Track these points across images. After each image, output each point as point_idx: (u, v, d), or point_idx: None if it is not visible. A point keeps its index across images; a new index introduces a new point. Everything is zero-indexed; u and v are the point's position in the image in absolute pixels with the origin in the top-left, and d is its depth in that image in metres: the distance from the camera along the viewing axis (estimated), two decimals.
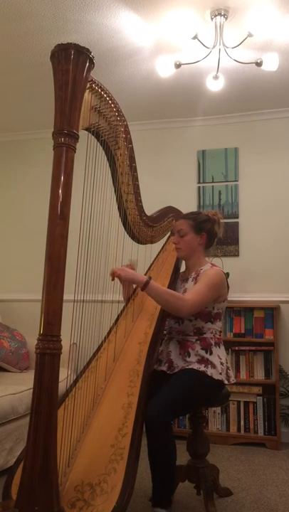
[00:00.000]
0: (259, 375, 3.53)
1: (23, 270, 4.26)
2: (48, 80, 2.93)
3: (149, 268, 2.55)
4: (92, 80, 1.68)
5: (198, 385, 2.05)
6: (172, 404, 1.97)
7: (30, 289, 3.90)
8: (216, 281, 2.14)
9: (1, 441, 2.68)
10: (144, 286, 2.01)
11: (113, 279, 2.11)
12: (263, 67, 2.87)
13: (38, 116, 4.08)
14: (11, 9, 2.66)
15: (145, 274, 2.49)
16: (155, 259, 2.61)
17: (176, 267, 2.46)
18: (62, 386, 1.69)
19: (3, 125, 4.35)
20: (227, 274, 3.57)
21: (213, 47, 2.75)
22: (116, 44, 2.99)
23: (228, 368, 2.17)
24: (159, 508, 1.91)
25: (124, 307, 2.33)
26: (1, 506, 1.52)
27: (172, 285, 2.32)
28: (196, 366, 2.07)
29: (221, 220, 2.34)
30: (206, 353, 2.11)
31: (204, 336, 2.15)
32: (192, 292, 2.09)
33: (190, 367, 2.08)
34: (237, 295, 3.67)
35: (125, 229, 2.20)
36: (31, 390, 1.50)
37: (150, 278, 2.03)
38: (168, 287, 2.28)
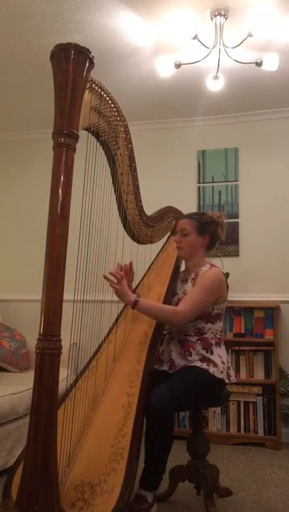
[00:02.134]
0: (259, 375, 3.53)
1: (23, 270, 4.26)
2: (47, 79, 2.93)
3: (148, 268, 2.55)
4: (92, 80, 1.69)
5: (201, 380, 2.06)
6: (175, 395, 1.97)
7: (29, 289, 3.89)
8: (214, 284, 2.13)
9: (1, 442, 2.68)
10: (133, 306, 2.04)
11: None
12: (263, 67, 2.87)
13: (37, 116, 4.08)
14: (11, 9, 2.66)
15: (145, 274, 2.50)
16: (155, 259, 2.61)
17: (176, 267, 2.46)
18: (62, 386, 1.68)
19: (3, 125, 4.35)
20: (227, 274, 3.57)
21: (213, 47, 2.75)
22: (116, 44, 2.99)
23: (228, 368, 2.17)
24: (145, 490, 1.95)
25: (124, 307, 2.32)
26: (2, 506, 1.52)
27: (172, 285, 2.32)
28: (198, 364, 2.08)
29: (225, 221, 2.34)
30: (207, 352, 2.11)
31: (205, 336, 2.15)
32: (185, 302, 2.10)
33: (192, 364, 2.08)
34: (237, 295, 3.67)
35: (125, 229, 2.19)
36: (31, 390, 1.51)
37: (138, 296, 2.05)
38: (168, 288, 2.28)
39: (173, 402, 1.97)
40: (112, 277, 2.03)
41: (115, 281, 2.03)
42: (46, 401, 1.45)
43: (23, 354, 3.61)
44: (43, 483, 1.42)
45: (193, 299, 2.10)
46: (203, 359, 2.09)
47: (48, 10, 2.66)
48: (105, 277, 2.03)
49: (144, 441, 1.94)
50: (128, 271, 2.22)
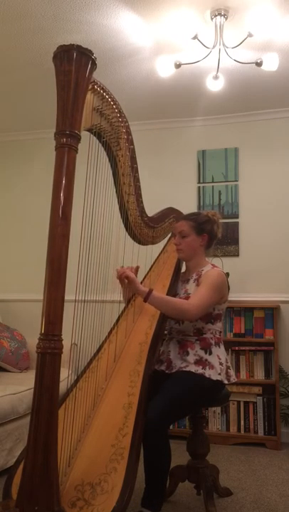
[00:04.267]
0: (259, 375, 3.53)
1: (23, 270, 4.26)
2: (48, 79, 2.93)
3: (149, 269, 2.55)
4: (94, 81, 1.69)
5: (196, 388, 2.05)
6: (171, 410, 1.97)
7: (30, 289, 3.90)
8: (219, 282, 2.14)
9: (1, 442, 2.68)
10: (146, 297, 2.03)
11: (121, 279, 2.13)
12: (263, 67, 2.87)
13: (38, 116, 4.08)
14: (11, 9, 2.66)
15: (146, 275, 2.50)
16: (156, 260, 2.61)
17: (177, 268, 2.46)
18: (62, 386, 1.69)
19: (4, 125, 4.34)
20: (227, 274, 3.57)
21: (213, 47, 2.75)
22: (116, 44, 2.99)
23: (228, 368, 2.17)
24: (148, 509, 1.90)
25: (124, 307, 2.33)
26: (2, 506, 1.52)
27: (173, 286, 2.32)
28: (193, 368, 2.07)
29: (220, 221, 2.34)
30: (206, 353, 2.11)
31: (204, 336, 2.15)
32: (196, 297, 2.09)
33: (187, 369, 2.08)
34: (237, 295, 3.68)
35: (126, 230, 2.20)
36: (31, 390, 1.51)
37: (151, 290, 2.04)
38: (169, 288, 2.28)
39: (168, 420, 1.98)
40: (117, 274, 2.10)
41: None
42: (47, 401, 1.46)
43: (23, 354, 3.61)
44: (44, 482, 1.43)
45: (203, 294, 2.09)
46: (200, 361, 2.09)
47: (48, 10, 2.66)
48: (117, 271, 2.09)
49: (143, 460, 1.92)
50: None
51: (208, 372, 2.06)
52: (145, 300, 2.04)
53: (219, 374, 2.08)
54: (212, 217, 2.31)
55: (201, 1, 2.59)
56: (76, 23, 2.78)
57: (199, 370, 2.06)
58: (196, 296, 2.10)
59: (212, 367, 2.08)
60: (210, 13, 2.67)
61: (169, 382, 2.05)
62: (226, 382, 2.12)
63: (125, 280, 2.11)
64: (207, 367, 2.08)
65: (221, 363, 2.12)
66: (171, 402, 1.97)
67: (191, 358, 2.10)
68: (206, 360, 2.10)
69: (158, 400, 1.95)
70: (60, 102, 1.57)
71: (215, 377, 2.07)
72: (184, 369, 2.08)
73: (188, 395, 2.04)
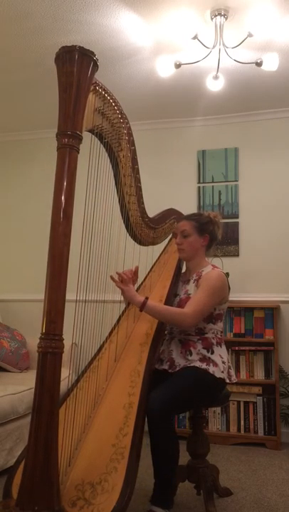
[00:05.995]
0: (259, 375, 3.53)
1: (23, 270, 4.26)
2: (48, 79, 2.93)
3: (150, 269, 2.55)
4: (95, 82, 1.70)
5: (200, 381, 2.06)
6: (173, 398, 1.97)
7: (30, 289, 3.90)
8: (218, 286, 2.14)
9: (1, 441, 2.68)
10: (142, 307, 2.04)
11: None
12: (263, 67, 2.87)
13: (39, 116, 4.08)
14: (11, 9, 2.66)
15: (146, 276, 2.50)
16: (157, 260, 2.61)
17: (178, 269, 2.46)
18: (63, 385, 1.69)
19: (5, 125, 4.34)
20: (227, 274, 3.57)
21: (213, 47, 2.75)
22: (116, 44, 2.99)
23: (229, 367, 2.18)
24: (159, 507, 1.91)
25: (125, 308, 2.33)
26: (2, 505, 1.53)
27: (174, 287, 2.33)
28: (198, 364, 2.08)
29: (221, 221, 2.35)
30: (208, 352, 2.12)
31: (206, 335, 2.16)
32: (192, 303, 2.10)
33: (192, 365, 2.08)
34: (237, 295, 3.68)
35: (127, 230, 2.20)
36: (31, 390, 1.52)
37: (147, 298, 2.05)
38: (169, 289, 2.29)
39: (171, 406, 1.96)
40: (117, 278, 2.10)
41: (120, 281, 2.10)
42: (48, 400, 1.46)
43: (23, 354, 3.61)
44: (44, 482, 1.43)
45: (200, 300, 2.10)
46: (203, 359, 2.10)
47: (48, 10, 2.66)
48: (112, 278, 2.08)
49: (151, 451, 1.93)
50: (132, 275, 2.22)
51: (212, 369, 2.07)
52: (141, 310, 2.06)
53: (222, 372, 2.09)
54: (213, 218, 2.32)
55: (201, 1, 2.59)
56: (76, 23, 2.79)
57: (203, 365, 2.07)
58: (192, 302, 2.10)
59: (216, 364, 2.09)
60: (210, 13, 2.67)
61: (173, 376, 2.07)
62: (227, 381, 2.13)
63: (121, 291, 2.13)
64: (211, 364, 2.09)
65: (223, 362, 2.13)
66: (175, 391, 1.98)
67: (194, 357, 2.11)
68: (209, 358, 2.11)
69: (162, 388, 1.96)
70: (62, 103, 1.58)
71: (218, 374, 2.07)
72: (188, 365, 2.09)
73: (191, 386, 2.03)
